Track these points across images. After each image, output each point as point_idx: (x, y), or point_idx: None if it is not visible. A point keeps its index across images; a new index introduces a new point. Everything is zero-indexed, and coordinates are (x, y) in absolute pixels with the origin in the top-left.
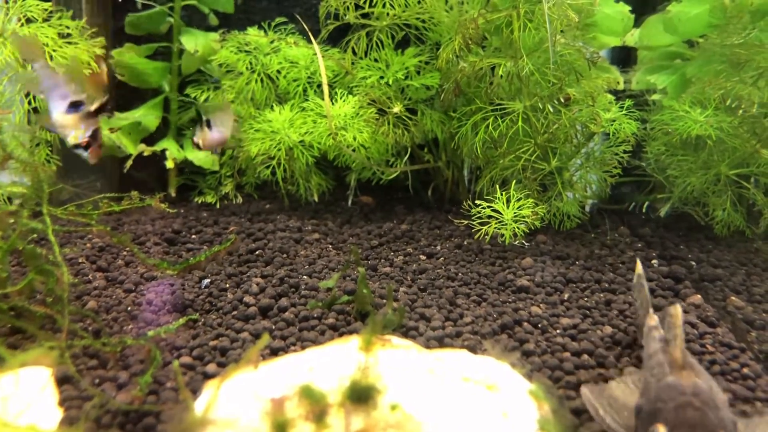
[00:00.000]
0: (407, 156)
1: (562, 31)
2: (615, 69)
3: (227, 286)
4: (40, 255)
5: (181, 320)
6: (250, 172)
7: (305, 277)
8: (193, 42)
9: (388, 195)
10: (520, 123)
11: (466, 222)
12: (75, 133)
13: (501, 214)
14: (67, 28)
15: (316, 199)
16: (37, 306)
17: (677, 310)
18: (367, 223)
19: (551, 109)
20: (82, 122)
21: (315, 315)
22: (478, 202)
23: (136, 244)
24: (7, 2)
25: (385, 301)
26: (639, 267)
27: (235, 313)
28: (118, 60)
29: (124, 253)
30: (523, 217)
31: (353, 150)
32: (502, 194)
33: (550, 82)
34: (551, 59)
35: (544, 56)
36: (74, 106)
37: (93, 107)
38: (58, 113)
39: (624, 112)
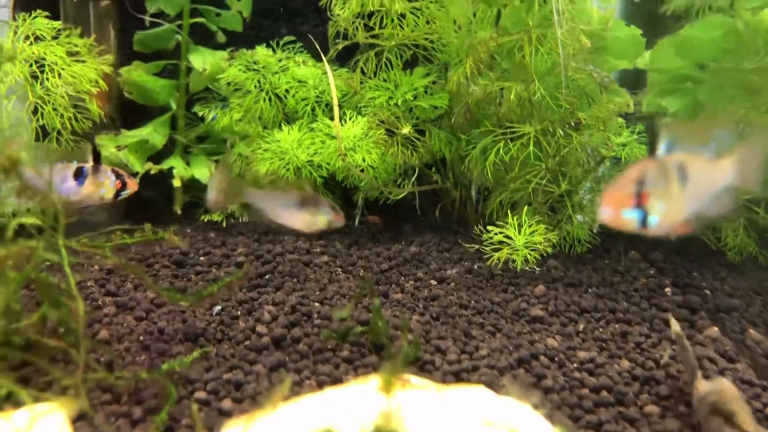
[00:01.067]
0: (415, 176)
1: (574, 56)
2: (625, 92)
3: (239, 313)
4: (53, 286)
5: (195, 353)
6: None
7: (317, 304)
8: (202, 60)
9: (395, 214)
10: (531, 147)
11: (476, 246)
12: (103, 191)
13: (512, 239)
14: (76, 45)
15: None
16: (50, 338)
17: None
18: (375, 245)
19: (562, 133)
20: (98, 177)
21: (329, 347)
22: (489, 228)
23: (145, 266)
24: (15, 19)
25: (399, 332)
26: (675, 326)
27: (247, 343)
28: (126, 78)
29: (133, 275)
30: (535, 243)
31: (362, 170)
32: (513, 219)
33: (562, 106)
34: (564, 84)
35: (556, 80)
36: (79, 176)
37: (90, 159)
38: (75, 194)
39: (635, 137)
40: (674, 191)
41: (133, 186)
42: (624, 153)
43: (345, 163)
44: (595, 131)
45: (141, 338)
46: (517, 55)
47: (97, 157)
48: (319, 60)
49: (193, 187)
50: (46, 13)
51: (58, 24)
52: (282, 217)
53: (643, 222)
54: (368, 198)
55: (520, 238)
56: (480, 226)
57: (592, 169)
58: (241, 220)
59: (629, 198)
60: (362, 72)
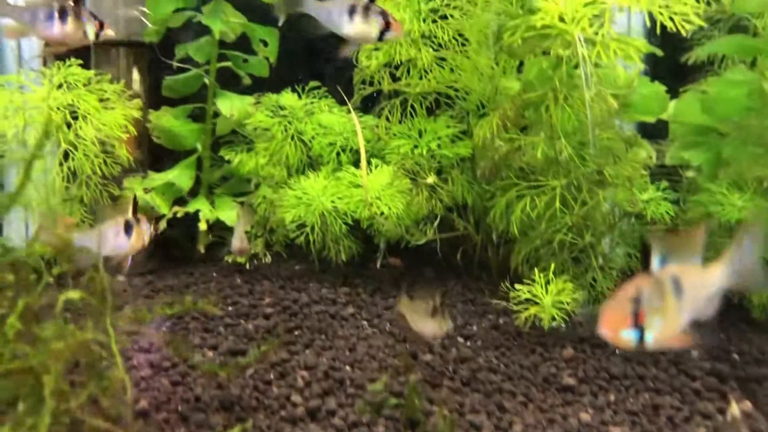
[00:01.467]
0: (437, 221)
1: (601, 117)
2: (647, 144)
3: (271, 377)
4: (100, 363)
5: (236, 430)
6: (280, 231)
7: (348, 368)
8: (229, 106)
9: (416, 257)
10: (557, 204)
11: (503, 304)
12: (146, 239)
13: (539, 296)
14: (106, 92)
15: (344, 258)
16: (95, 415)
17: None
18: (398, 291)
19: (587, 188)
20: (141, 228)
21: (364, 420)
22: (516, 284)
23: (175, 317)
24: (46, 65)
25: (433, 406)
26: (735, 408)
27: (283, 413)
28: (155, 124)
29: (164, 329)
30: (562, 302)
31: (386, 218)
32: (539, 276)
33: (588, 162)
34: (591, 144)
35: (582, 136)
36: (128, 230)
37: (130, 212)
38: (126, 248)
39: (661, 194)
40: (670, 306)
41: (153, 230)
42: (650, 211)
43: (371, 213)
44: (620, 189)
45: (179, 408)
46: (543, 114)
47: (136, 206)
48: (343, 102)
49: (217, 226)
50: (79, 61)
51: (90, 73)
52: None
53: (641, 339)
54: (389, 240)
55: (547, 297)
56: (504, 280)
57: (617, 224)
58: (264, 261)
59: (626, 318)
60: (386, 119)
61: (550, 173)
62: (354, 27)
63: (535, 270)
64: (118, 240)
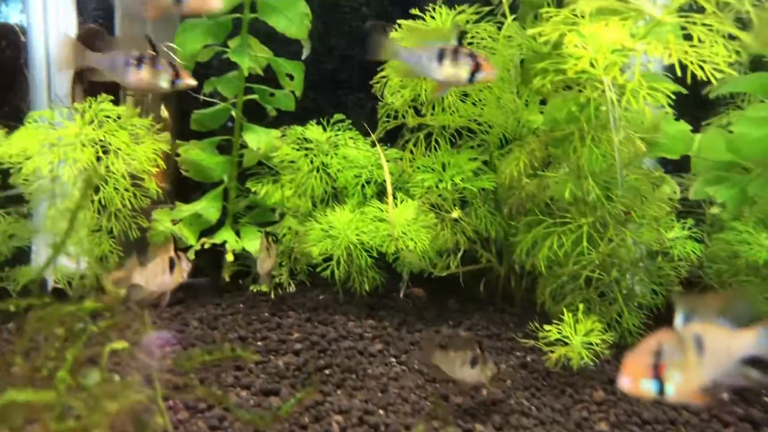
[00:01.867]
0: (460, 253)
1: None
2: (670, 179)
3: (306, 420)
4: (145, 413)
5: None
6: (304, 259)
7: (381, 411)
8: (256, 140)
9: (438, 287)
10: (584, 243)
11: (531, 343)
12: (184, 275)
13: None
14: (135, 126)
15: (367, 288)
16: None
17: None
18: (423, 324)
19: (613, 226)
20: (181, 263)
21: None
22: (546, 327)
23: (205, 353)
24: (75, 101)
25: None
26: None
27: None
28: (184, 158)
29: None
30: (591, 343)
31: (411, 252)
32: (567, 315)
33: (615, 204)
34: (619, 185)
35: (609, 175)
36: (171, 267)
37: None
38: (168, 285)
39: (687, 232)
40: (690, 362)
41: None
42: (676, 250)
43: (397, 248)
44: (647, 228)
45: None
46: (571, 154)
47: (176, 242)
48: (366, 133)
49: (241, 255)
50: (110, 97)
51: (121, 109)
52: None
53: (661, 391)
54: (412, 270)
55: (576, 338)
56: (528, 312)
57: (642, 261)
58: (288, 291)
59: (647, 369)
60: (410, 152)
61: (576, 210)
62: (444, 71)
63: (563, 309)
64: (164, 277)
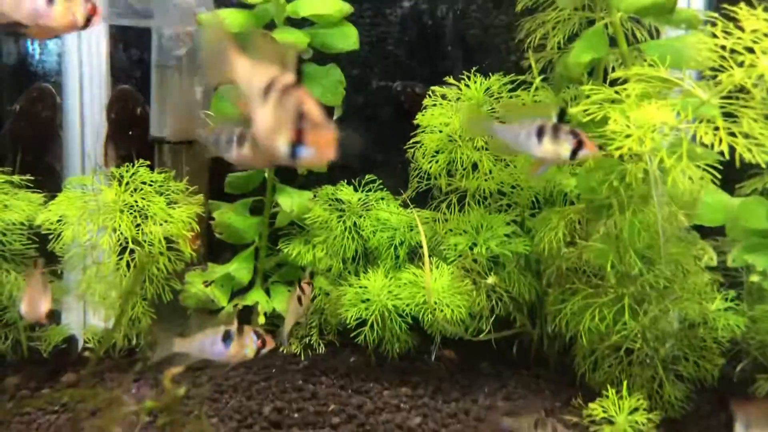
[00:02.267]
0: (493, 317)
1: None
2: (707, 245)
3: None
4: None
5: None
6: (334, 320)
7: None
8: (290, 202)
9: (470, 349)
10: (626, 315)
11: (574, 420)
12: (246, 351)
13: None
14: (170, 189)
15: (399, 350)
16: None
17: None
18: (459, 392)
19: (655, 298)
20: (243, 339)
21: None
22: (591, 405)
23: (243, 426)
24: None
25: None
26: None
27: None
28: (218, 221)
29: None
30: (637, 422)
31: (447, 320)
32: (612, 393)
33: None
34: (663, 261)
35: (650, 247)
36: (226, 339)
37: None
38: (223, 356)
39: (729, 304)
40: None
41: (271, 343)
42: (720, 323)
43: (434, 317)
44: (689, 301)
45: None
46: (611, 228)
47: (241, 320)
48: (397, 193)
49: (271, 314)
50: (147, 162)
51: (159, 177)
52: None
53: None
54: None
55: (621, 416)
56: (563, 377)
57: (685, 334)
58: (319, 352)
59: None
60: (443, 213)
61: (615, 279)
62: (543, 148)
63: (604, 381)
64: (214, 348)
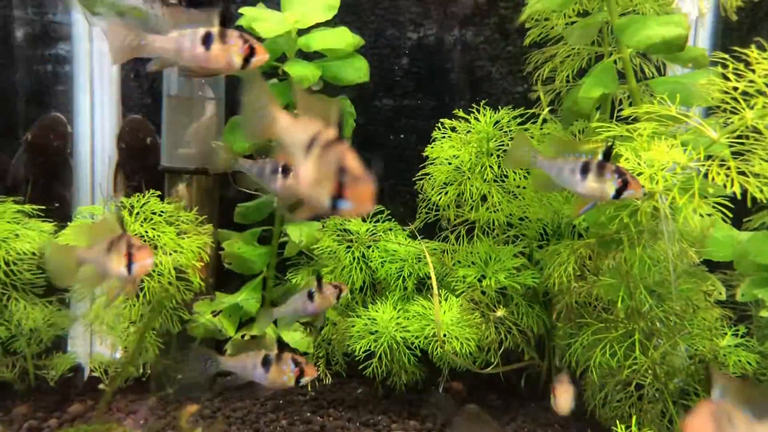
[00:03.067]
0: (501, 350)
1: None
2: (716, 279)
3: None
4: None
5: None
6: (340, 350)
7: None
8: (298, 233)
9: (477, 381)
10: (637, 351)
11: None
12: (285, 378)
13: None
14: (179, 219)
15: (405, 381)
16: None
17: None
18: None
19: (666, 334)
20: (281, 366)
21: None
22: None
23: None
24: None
25: None
26: None
27: None
28: (227, 252)
29: None
30: None
31: (456, 354)
32: (622, 428)
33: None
34: (674, 297)
35: (661, 288)
36: (265, 364)
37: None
38: (262, 380)
39: (740, 340)
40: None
41: (311, 372)
42: (731, 360)
43: (444, 350)
44: (699, 337)
45: None
46: (622, 263)
47: (281, 347)
48: (403, 222)
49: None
50: (158, 192)
51: (169, 207)
52: None
53: None
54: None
55: None
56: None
57: (695, 370)
58: (325, 383)
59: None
60: (450, 244)
61: (626, 314)
62: (587, 185)
63: (613, 416)
64: (255, 372)
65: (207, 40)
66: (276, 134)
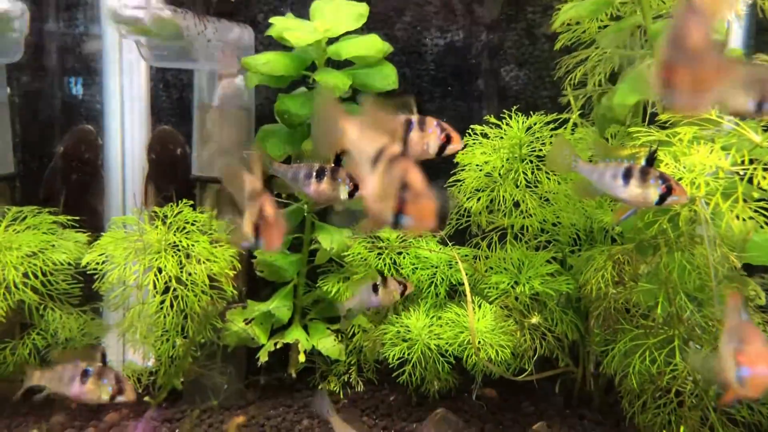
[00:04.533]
0: (535, 356)
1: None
2: (754, 282)
3: None
4: None
5: None
6: (371, 356)
7: None
8: (329, 240)
9: (511, 388)
10: (677, 358)
11: None
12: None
13: None
14: (212, 228)
15: (438, 388)
16: None
17: None
18: None
19: (707, 340)
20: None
21: None
22: None
23: None
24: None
25: None
26: None
27: None
28: (260, 260)
29: None
30: None
31: (492, 362)
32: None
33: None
34: (715, 303)
35: (701, 294)
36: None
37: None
38: None
39: None
40: None
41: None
42: None
43: (479, 359)
44: None
45: None
46: (662, 269)
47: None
48: (434, 230)
49: (309, 351)
50: (191, 202)
51: (202, 216)
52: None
53: None
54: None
55: None
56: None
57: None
58: (357, 390)
59: None
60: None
61: (665, 320)
62: (630, 191)
63: (654, 423)
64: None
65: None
66: (345, 145)
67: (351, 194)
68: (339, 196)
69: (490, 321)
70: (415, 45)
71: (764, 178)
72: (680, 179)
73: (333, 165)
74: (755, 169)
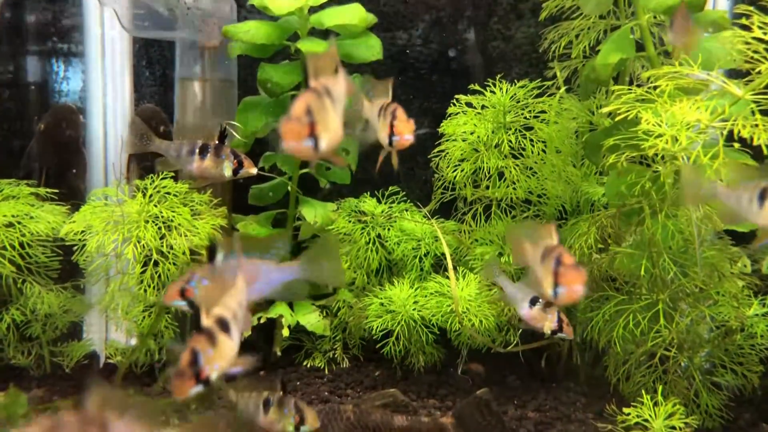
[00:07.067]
0: (520, 329)
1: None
2: (741, 253)
3: None
4: None
5: None
6: (357, 333)
7: None
8: (313, 213)
9: (497, 362)
10: (662, 321)
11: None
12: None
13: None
14: (194, 201)
15: (423, 363)
16: None
17: None
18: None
19: (690, 303)
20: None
21: None
22: (625, 410)
23: None
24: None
25: None
26: None
27: None
28: (242, 233)
29: None
30: (675, 428)
31: (476, 330)
32: (647, 399)
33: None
34: (699, 264)
35: (683, 251)
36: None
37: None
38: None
39: (766, 309)
40: None
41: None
42: (759, 329)
43: (463, 327)
44: (725, 306)
45: None
46: (645, 231)
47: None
48: (419, 204)
49: (294, 328)
50: (171, 174)
51: (183, 187)
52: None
53: None
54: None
55: (657, 422)
56: (594, 389)
57: (721, 341)
58: (343, 366)
59: None
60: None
61: (649, 285)
62: (766, 215)
63: (638, 389)
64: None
65: None
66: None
67: (235, 171)
68: (223, 174)
69: (474, 289)
70: (401, 19)
71: (744, 127)
72: (661, 136)
73: (217, 142)
74: (735, 122)
